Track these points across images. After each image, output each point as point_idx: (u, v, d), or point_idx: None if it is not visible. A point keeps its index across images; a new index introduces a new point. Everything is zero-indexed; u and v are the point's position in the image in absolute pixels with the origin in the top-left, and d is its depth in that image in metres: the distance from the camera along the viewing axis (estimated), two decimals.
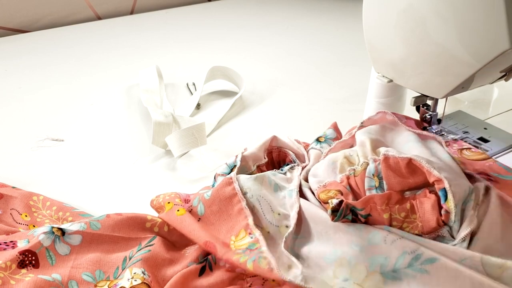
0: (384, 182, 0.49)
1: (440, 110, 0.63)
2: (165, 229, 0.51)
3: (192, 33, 1.23)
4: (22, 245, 0.47)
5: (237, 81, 0.89)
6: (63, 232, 0.47)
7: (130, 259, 0.47)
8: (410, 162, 0.48)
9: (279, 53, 1.09)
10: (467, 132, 0.64)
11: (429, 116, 0.62)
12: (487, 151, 0.61)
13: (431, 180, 0.46)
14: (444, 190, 0.45)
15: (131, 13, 1.38)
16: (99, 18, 1.33)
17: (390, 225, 0.46)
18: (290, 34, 1.21)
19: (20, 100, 0.88)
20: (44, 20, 1.26)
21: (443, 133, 0.61)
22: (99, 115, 0.83)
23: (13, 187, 0.60)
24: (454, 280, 0.40)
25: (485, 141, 0.63)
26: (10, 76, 0.98)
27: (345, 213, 0.47)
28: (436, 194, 0.46)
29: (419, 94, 0.60)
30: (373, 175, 0.50)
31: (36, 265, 0.45)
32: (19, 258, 0.45)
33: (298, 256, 0.47)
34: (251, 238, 0.48)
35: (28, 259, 0.45)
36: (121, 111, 0.84)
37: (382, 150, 0.51)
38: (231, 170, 0.56)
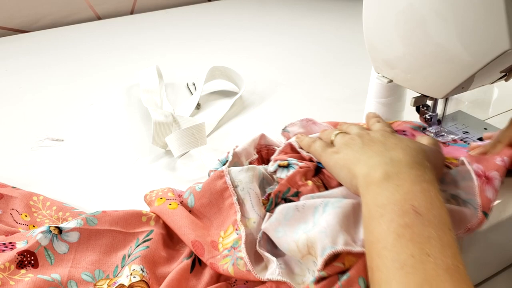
0: (289, 158, 0.53)
1: (440, 111, 0.63)
2: (161, 221, 0.51)
3: (192, 33, 1.23)
4: (20, 246, 0.47)
5: (237, 81, 0.89)
6: (60, 230, 0.47)
7: (129, 256, 0.47)
8: (293, 147, 0.55)
9: (279, 53, 1.09)
10: (467, 132, 0.64)
11: (429, 117, 0.62)
12: None
13: (306, 158, 0.53)
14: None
15: (131, 13, 1.38)
16: (99, 18, 1.33)
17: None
18: (290, 34, 1.21)
19: (20, 100, 0.88)
20: (44, 20, 1.26)
21: (443, 133, 0.61)
22: (99, 115, 0.83)
23: (13, 187, 0.60)
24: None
25: None
26: (10, 76, 0.98)
27: (276, 202, 0.48)
28: None
29: (419, 94, 0.60)
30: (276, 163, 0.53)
31: (35, 265, 0.45)
32: (17, 258, 0.45)
33: (277, 254, 0.47)
34: (237, 234, 0.48)
35: (27, 259, 0.45)
36: (121, 111, 0.84)
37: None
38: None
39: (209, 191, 0.52)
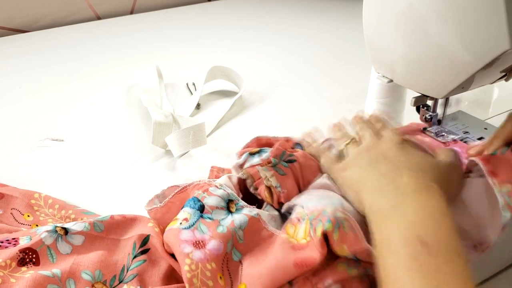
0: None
1: (440, 111, 0.63)
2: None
3: (192, 33, 1.23)
4: (23, 242, 0.47)
5: (237, 81, 0.89)
6: (66, 231, 0.47)
7: (127, 270, 0.47)
8: (259, 141, 0.56)
9: (279, 53, 1.09)
10: (467, 132, 0.64)
11: (429, 117, 0.62)
12: None
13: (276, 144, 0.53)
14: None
15: (131, 13, 1.39)
16: (99, 18, 1.34)
17: None
18: (290, 34, 1.21)
19: (20, 100, 0.88)
20: (44, 20, 1.26)
21: (443, 133, 0.61)
22: (99, 115, 0.83)
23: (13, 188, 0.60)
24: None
25: None
26: (10, 76, 0.98)
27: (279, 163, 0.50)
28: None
29: (419, 94, 0.60)
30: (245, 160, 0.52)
31: (36, 263, 0.45)
32: (19, 256, 0.45)
33: None
34: (303, 221, 0.44)
35: (29, 257, 0.45)
36: (121, 111, 0.84)
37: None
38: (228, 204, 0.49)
39: (254, 239, 0.46)
